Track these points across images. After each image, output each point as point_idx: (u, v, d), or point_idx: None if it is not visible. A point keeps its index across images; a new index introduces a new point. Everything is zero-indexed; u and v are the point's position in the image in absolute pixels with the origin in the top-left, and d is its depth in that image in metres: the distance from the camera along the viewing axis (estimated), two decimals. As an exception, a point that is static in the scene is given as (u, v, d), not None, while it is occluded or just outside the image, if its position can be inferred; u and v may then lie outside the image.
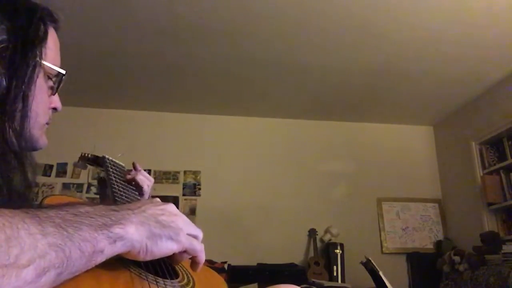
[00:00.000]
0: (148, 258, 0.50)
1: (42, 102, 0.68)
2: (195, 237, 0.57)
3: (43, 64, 0.66)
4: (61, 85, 0.72)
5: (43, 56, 0.65)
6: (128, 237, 0.47)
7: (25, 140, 0.62)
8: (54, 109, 0.74)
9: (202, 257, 0.57)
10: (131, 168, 1.03)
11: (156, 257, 0.51)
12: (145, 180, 1.01)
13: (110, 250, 0.45)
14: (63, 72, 0.70)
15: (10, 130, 0.59)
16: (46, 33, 0.66)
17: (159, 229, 0.51)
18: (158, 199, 0.60)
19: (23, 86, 0.60)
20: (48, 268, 0.39)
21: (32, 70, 0.62)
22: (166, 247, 0.51)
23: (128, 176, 0.99)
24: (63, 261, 0.40)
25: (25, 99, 0.61)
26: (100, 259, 0.44)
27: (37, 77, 0.63)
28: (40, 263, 0.38)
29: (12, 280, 0.36)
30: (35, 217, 0.40)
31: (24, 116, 0.61)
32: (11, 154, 0.59)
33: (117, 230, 0.46)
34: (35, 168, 0.67)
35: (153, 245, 0.49)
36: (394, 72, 3.51)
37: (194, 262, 0.58)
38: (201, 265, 0.58)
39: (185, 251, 0.55)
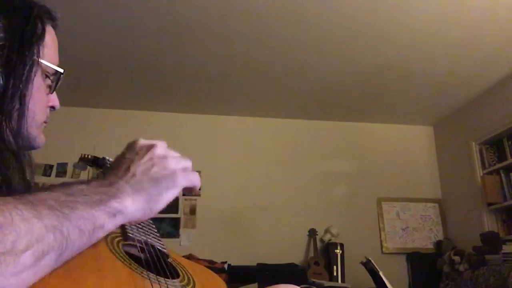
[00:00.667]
0: (154, 215, 0.51)
1: (40, 100, 0.67)
2: (187, 168, 0.58)
3: (41, 62, 0.65)
4: (59, 83, 0.71)
5: (40, 54, 0.64)
6: (127, 211, 0.47)
7: (22, 139, 0.62)
8: (52, 107, 0.74)
9: (198, 185, 0.59)
10: None
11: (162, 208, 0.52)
12: None
13: (111, 224, 0.45)
14: (61, 70, 0.70)
15: (7, 129, 0.59)
16: (43, 31, 0.66)
17: (156, 187, 0.51)
18: (141, 143, 0.57)
19: (21, 85, 0.60)
20: (47, 251, 0.39)
21: (30, 68, 0.62)
22: (167, 198, 0.52)
23: None
24: (62, 242, 0.40)
25: (22, 97, 0.60)
26: (102, 234, 0.45)
27: (35, 75, 0.63)
28: (39, 247, 0.38)
29: (10, 267, 0.36)
30: (28, 202, 0.40)
31: (21, 115, 0.61)
32: (9, 153, 0.59)
33: (115, 205, 0.46)
34: (33, 168, 0.67)
35: (156, 204, 0.50)
36: (394, 72, 3.51)
37: (189, 190, 0.59)
38: (197, 189, 0.60)
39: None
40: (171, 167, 0.54)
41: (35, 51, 0.63)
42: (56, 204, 0.42)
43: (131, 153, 0.56)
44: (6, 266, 0.35)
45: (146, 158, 0.54)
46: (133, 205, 0.48)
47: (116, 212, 0.45)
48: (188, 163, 0.59)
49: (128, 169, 0.52)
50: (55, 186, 0.46)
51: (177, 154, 0.59)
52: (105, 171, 0.79)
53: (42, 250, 0.38)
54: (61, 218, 0.40)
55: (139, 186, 0.50)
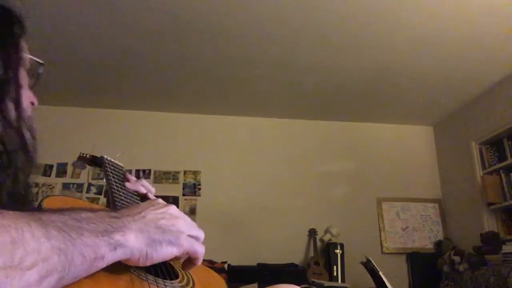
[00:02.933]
0: (149, 263, 0.50)
1: (26, 94, 0.68)
2: (196, 238, 0.57)
3: (24, 55, 0.67)
4: (39, 77, 0.73)
5: (24, 48, 0.66)
6: (128, 245, 0.47)
7: (15, 131, 0.61)
8: (32, 104, 0.74)
9: (200, 259, 0.58)
10: (130, 169, 1.02)
11: (156, 262, 0.51)
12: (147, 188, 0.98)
13: (110, 256, 0.45)
14: (42, 61, 0.71)
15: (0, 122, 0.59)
16: (23, 28, 0.67)
17: (159, 234, 0.51)
18: (160, 200, 0.59)
19: (9, 72, 0.61)
20: (51, 272, 0.39)
21: (16, 62, 0.63)
22: (166, 252, 0.51)
23: (129, 185, 0.97)
24: (65, 265, 0.40)
25: (17, 90, 0.62)
26: (101, 265, 0.44)
27: (20, 68, 0.65)
28: (43, 266, 0.38)
29: (15, 282, 0.36)
30: (39, 220, 0.40)
31: (17, 107, 0.61)
32: (3, 153, 0.59)
33: (118, 237, 0.46)
34: (24, 168, 0.66)
35: (153, 252, 0.50)
36: (394, 72, 3.51)
37: (190, 262, 0.58)
38: (195, 266, 0.58)
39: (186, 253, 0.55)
40: (179, 227, 0.55)
41: (19, 45, 0.65)
42: (65, 227, 0.42)
43: (149, 202, 0.58)
44: (12, 281, 0.36)
45: (159, 211, 0.55)
46: (135, 241, 0.48)
47: (117, 245, 0.46)
48: (199, 233, 0.58)
49: (140, 212, 0.53)
50: (64, 209, 0.46)
51: (193, 222, 0.58)
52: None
53: (46, 270, 0.38)
54: (67, 241, 0.41)
55: (144, 227, 0.50)
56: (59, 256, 0.40)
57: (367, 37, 3.05)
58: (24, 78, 0.68)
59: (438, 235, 4.23)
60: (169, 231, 0.53)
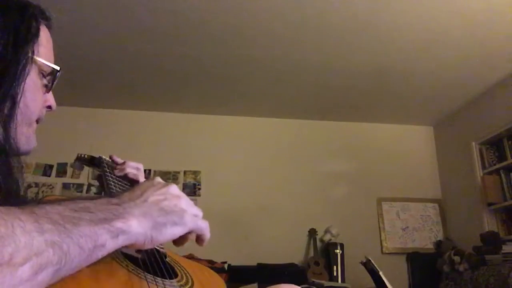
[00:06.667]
0: (154, 246, 0.51)
1: (35, 99, 0.67)
2: (197, 215, 0.57)
3: (36, 60, 0.65)
4: (55, 82, 0.71)
5: (35, 52, 0.64)
6: (131, 231, 0.46)
7: (12, 138, 0.60)
8: (49, 107, 0.73)
9: (207, 234, 0.58)
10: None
11: (163, 243, 0.52)
12: (136, 174, 0.99)
13: (112, 244, 0.45)
14: (57, 68, 0.69)
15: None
16: (38, 30, 0.66)
17: (163, 217, 0.51)
18: (159, 180, 0.59)
19: (14, 83, 0.60)
20: (45, 265, 0.38)
21: (23, 67, 0.62)
22: (171, 233, 0.51)
23: (118, 172, 0.97)
24: (61, 257, 0.40)
25: (15, 96, 0.60)
26: (102, 253, 0.44)
27: (29, 73, 0.63)
28: (37, 261, 0.38)
29: (7, 279, 0.36)
30: (32, 214, 0.40)
31: (12, 114, 0.60)
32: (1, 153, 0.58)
33: (119, 224, 0.45)
34: (22, 169, 0.66)
35: (158, 234, 0.49)
36: (394, 72, 3.51)
37: (199, 239, 0.58)
38: (206, 241, 0.59)
39: (190, 232, 0.56)
40: (181, 206, 0.55)
41: (29, 49, 0.63)
42: (60, 219, 0.41)
43: (148, 182, 0.57)
44: (3, 278, 0.35)
45: (161, 191, 0.55)
46: (138, 227, 0.47)
47: (119, 232, 0.45)
48: (199, 212, 0.58)
49: (141, 194, 0.53)
50: (62, 200, 0.46)
51: (191, 201, 0.58)
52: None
53: (40, 264, 0.38)
54: (62, 233, 0.40)
55: (147, 210, 0.50)
56: (54, 249, 0.39)
57: (367, 37, 3.05)
58: (34, 84, 0.66)
59: (438, 235, 4.23)
60: (173, 212, 0.53)
